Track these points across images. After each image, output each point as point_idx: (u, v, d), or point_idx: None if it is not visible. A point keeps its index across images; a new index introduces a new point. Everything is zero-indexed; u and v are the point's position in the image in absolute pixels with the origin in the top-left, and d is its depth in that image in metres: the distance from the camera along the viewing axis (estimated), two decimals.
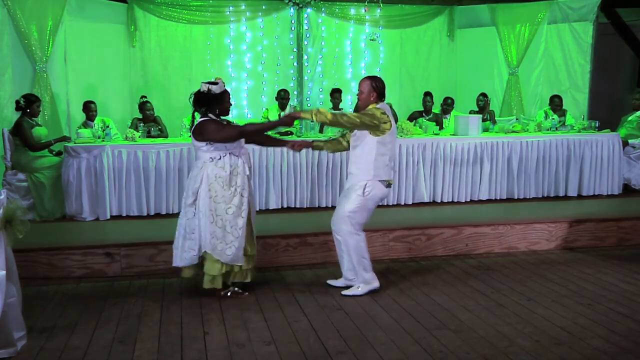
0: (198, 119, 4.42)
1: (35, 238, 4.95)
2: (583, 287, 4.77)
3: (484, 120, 7.89)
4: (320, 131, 7.33)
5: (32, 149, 6.33)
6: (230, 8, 8.83)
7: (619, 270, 5.19)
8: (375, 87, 4.46)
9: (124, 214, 6.32)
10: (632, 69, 11.16)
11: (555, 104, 8.31)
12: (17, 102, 6.34)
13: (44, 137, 6.47)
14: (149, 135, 7.00)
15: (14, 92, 6.89)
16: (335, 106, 8.32)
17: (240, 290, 4.58)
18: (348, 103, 9.20)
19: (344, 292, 4.57)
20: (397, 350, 3.60)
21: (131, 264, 5.13)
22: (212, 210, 4.32)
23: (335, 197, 6.60)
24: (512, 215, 6.30)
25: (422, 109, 8.27)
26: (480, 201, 7.05)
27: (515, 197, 7.17)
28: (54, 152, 6.66)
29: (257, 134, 4.69)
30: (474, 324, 4.00)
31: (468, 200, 7.05)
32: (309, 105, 9.30)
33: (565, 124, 7.98)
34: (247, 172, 4.44)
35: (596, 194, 7.40)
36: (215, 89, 4.38)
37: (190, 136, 4.48)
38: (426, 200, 6.95)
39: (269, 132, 5.42)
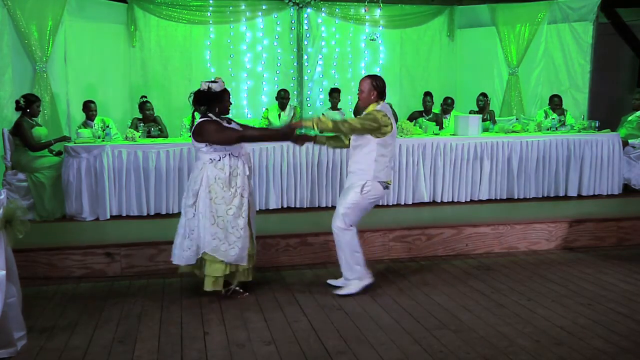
0: (198, 118, 4.42)
1: (35, 238, 4.94)
2: (583, 287, 4.77)
3: (484, 120, 7.89)
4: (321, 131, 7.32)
5: (32, 149, 6.32)
6: (230, 8, 8.84)
7: (619, 270, 5.19)
8: (376, 86, 4.46)
9: (124, 214, 6.32)
10: (632, 69, 11.16)
11: (555, 103, 8.32)
12: (17, 102, 6.34)
13: (44, 137, 6.47)
14: (149, 135, 7.00)
15: (14, 92, 6.89)
16: (334, 106, 8.33)
17: (241, 290, 4.58)
18: (348, 103, 9.19)
19: (338, 292, 4.57)
20: (397, 350, 3.60)
21: (131, 264, 5.13)
22: (212, 212, 4.32)
23: (335, 197, 6.61)
24: (512, 215, 6.30)
25: (422, 109, 8.28)
26: (480, 201, 7.05)
27: (515, 197, 7.16)
28: (54, 152, 6.66)
29: (256, 141, 4.69)
30: (474, 324, 4.00)
31: (468, 200, 7.05)
32: (309, 105, 9.32)
33: (565, 124, 7.99)
34: (247, 173, 4.44)
35: (596, 194, 7.39)
36: (215, 87, 4.39)
37: (190, 136, 4.48)
38: (426, 200, 6.94)
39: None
